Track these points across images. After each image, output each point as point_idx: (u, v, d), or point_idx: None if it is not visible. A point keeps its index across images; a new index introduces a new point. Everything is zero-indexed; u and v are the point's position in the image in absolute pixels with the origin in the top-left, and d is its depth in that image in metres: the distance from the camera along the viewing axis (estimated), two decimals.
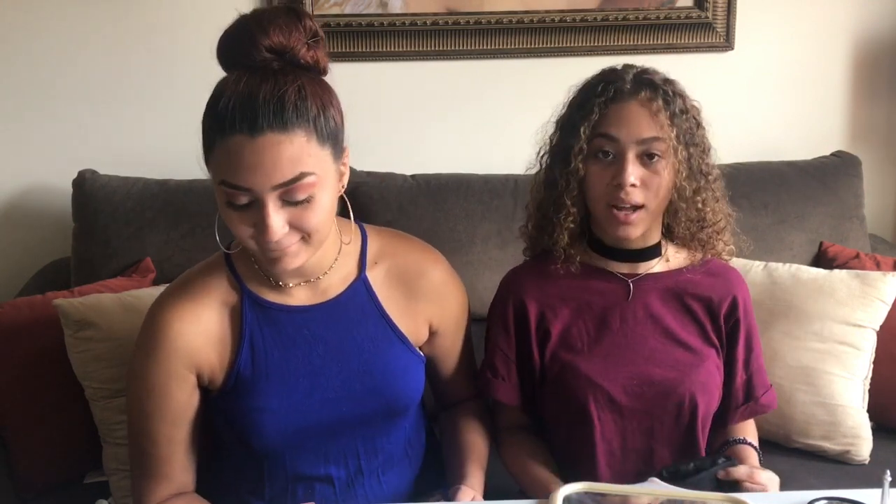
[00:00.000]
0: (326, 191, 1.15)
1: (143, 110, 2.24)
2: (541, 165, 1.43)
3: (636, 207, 1.31)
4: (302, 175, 1.10)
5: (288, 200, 1.12)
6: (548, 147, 1.42)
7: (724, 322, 1.41)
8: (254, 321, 1.27)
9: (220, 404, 1.29)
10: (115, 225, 2.02)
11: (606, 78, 1.34)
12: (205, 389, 1.30)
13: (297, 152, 1.10)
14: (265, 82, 1.11)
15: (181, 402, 1.27)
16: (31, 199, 2.27)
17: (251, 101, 1.09)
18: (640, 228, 1.33)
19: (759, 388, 1.44)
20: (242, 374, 1.26)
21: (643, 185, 1.30)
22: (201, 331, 1.25)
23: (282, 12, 1.15)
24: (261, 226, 1.12)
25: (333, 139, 1.16)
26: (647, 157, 1.30)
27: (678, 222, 1.38)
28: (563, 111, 1.40)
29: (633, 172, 1.29)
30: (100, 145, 2.23)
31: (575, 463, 1.39)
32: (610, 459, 1.38)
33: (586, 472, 1.35)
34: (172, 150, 2.24)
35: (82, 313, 1.70)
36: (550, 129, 1.42)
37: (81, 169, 2.10)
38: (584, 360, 1.37)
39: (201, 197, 2.04)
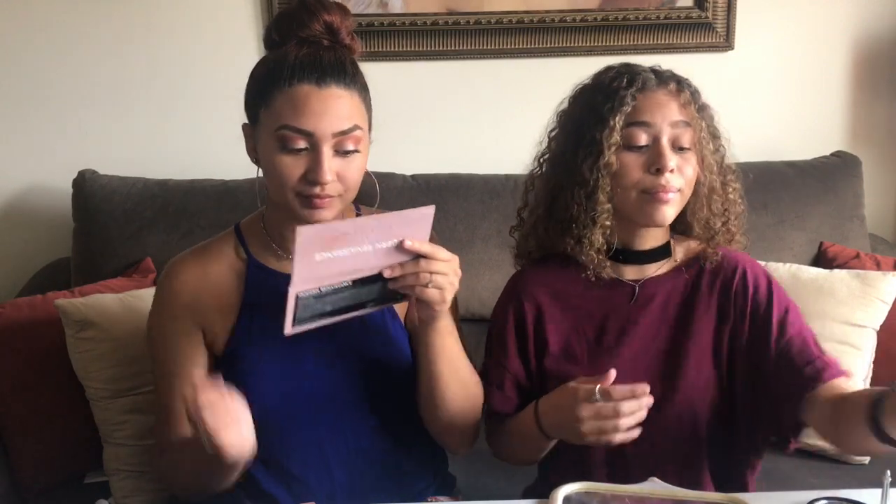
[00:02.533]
0: (364, 151, 1.28)
1: (143, 110, 2.24)
2: (545, 166, 1.40)
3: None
4: (355, 127, 1.24)
5: (339, 150, 1.24)
6: (558, 146, 1.38)
7: (736, 298, 1.35)
8: (255, 285, 1.33)
9: (222, 371, 1.32)
10: (115, 225, 2.02)
11: (624, 71, 1.33)
12: (211, 356, 1.35)
13: (353, 108, 1.25)
14: (325, 51, 1.25)
15: (191, 359, 1.33)
16: (31, 199, 2.27)
17: (318, 60, 1.24)
18: (674, 210, 1.31)
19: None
20: (241, 336, 1.32)
21: (678, 171, 1.29)
22: (207, 289, 1.33)
23: (335, 3, 1.30)
24: (315, 168, 1.22)
25: (371, 111, 1.31)
26: (678, 149, 1.30)
27: (699, 217, 1.35)
28: (580, 105, 1.35)
29: (672, 157, 1.28)
30: (100, 145, 2.23)
31: (577, 474, 1.34)
32: (610, 469, 1.36)
33: (588, 477, 1.32)
34: (172, 150, 2.24)
35: (83, 313, 1.70)
36: (558, 125, 1.39)
37: (81, 169, 2.10)
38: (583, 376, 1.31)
39: (201, 197, 2.04)
